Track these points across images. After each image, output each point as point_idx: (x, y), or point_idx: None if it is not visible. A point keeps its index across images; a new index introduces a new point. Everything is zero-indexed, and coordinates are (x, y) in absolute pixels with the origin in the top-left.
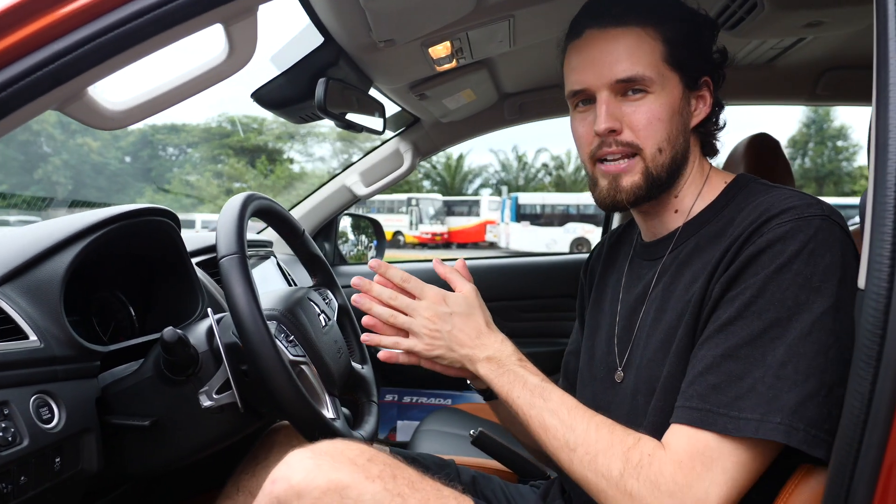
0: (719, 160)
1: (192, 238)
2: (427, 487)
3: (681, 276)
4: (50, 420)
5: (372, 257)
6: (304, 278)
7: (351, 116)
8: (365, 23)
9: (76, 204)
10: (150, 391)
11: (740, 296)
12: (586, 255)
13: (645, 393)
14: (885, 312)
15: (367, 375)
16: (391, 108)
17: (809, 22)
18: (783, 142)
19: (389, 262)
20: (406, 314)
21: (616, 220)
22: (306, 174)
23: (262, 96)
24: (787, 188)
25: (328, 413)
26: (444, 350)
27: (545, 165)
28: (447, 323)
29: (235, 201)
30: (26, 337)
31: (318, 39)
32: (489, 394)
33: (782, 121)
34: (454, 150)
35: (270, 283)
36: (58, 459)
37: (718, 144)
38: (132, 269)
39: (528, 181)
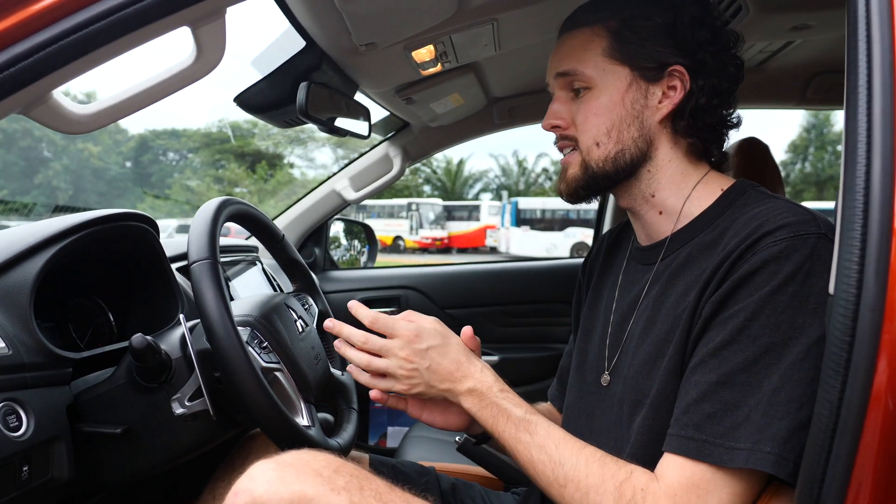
0: None
1: (174, 244)
2: (395, 499)
3: (672, 288)
4: (17, 428)
5: (364, 262)
6: (290, 285)
7: (336, 121)
8: (344, 26)
9: (60, 209)
10: (122, 398)
11: (733, 318)
12: (582, 259)
13: (630, 403)
14: (854, 319)
15: (347, 382)
16: (379, 113)
17: (795, 25)
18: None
19: (389, 266)
20: (381, 356)
21: (607, 223)
22: (308, 179)
23: (246, 100)
24: (784, 200)
25: (302, 420)
26: (425, 387)
27: (545, 170)
28: (424, 359)
29: (209, 206)
30: None
31: (300, 43)
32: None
33: (783, 125)
34: (454, 155)
35: (256, 289)
36: (26, 468)
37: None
38: (111, 274)
39: (529, 186)
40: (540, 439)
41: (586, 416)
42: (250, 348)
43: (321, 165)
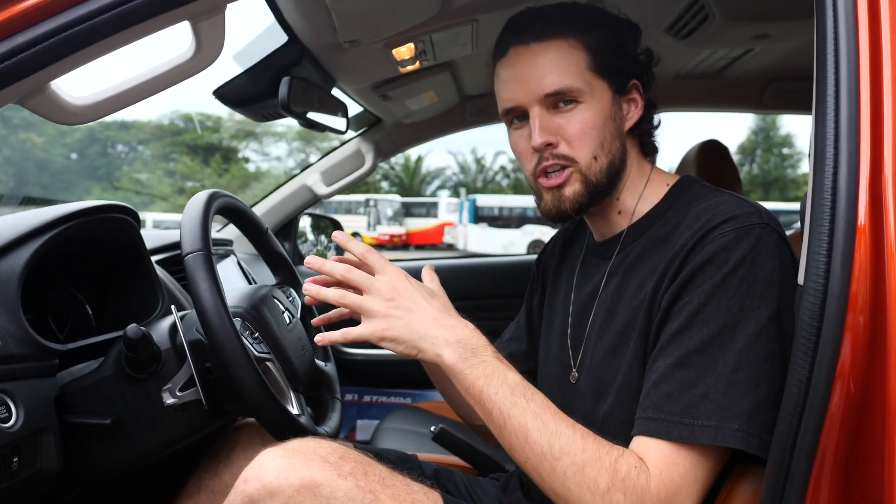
0: (671, 165)
1: (152, 236)
2: (397, 483)
3: (629, 281)
4: (7, 419)
5: (329, 257)
6: (264, 277)
7: (313, 116)
8: (330, 23)
9: (28, 201)
10: (110, 389)
11: (688, 305)
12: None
13: (594, 392)
14: (822, 307)
15: (331, 373)
16: (353, 108)
17: (757, 34)
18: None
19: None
20: (360, 292)
21: None
22: (262, 174)
23: (225, 94)
24: (729, 193)
25: (293, 409)
26: (401, 330)
27: (503, 168)
28: (408, 299)
29: (199, 198)
30: None
31: (282, 38)
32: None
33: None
34: (413, 152)
35: (231, 282)
36: (15, 459)
37: (657, 143)
38: (89, 266)
39: (487, 183)
40: (536, 407)
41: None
42: (244, 339)
43: (276, 158)
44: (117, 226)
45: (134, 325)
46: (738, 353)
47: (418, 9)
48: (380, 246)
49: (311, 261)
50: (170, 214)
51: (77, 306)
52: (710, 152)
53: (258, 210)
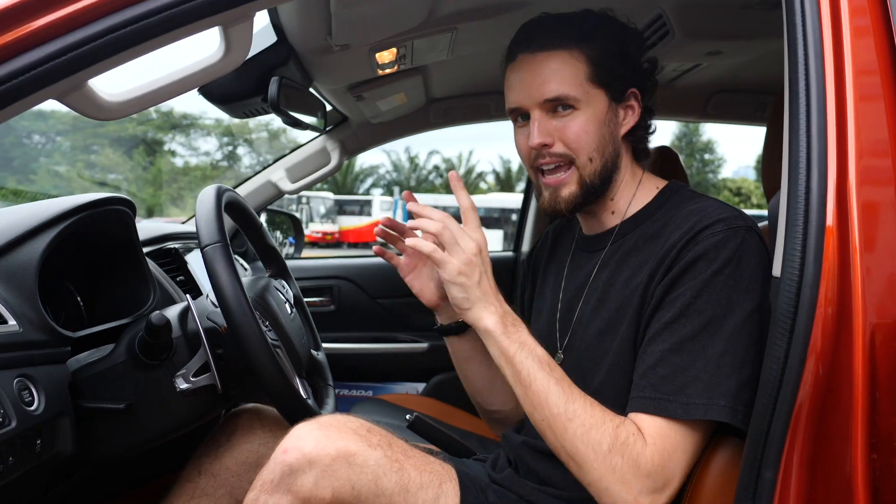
0: None
1: (142, 228)
2: (417, 455)
3: (621, 272)
4: (31, 403)
5: (291, 254)
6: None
7: (296, 114)
8: (324, 27)
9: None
10: (123, 375)
11: (681, 297)
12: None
13: (583, 372)
14: (797, 295)
15: (323, 361)
16: None
17: (710, 51)
18: None
19: (317, 258)
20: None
21: (530, 222)
22: (190, 169)
23: (210, 91)
24: (712, 199)
25: (302, 394)
26: (467, 281)
27: (437, 167)
28: (480, 266)
29: (209, 192)
30: (4, 321)
31: (271, 38)
32: (448, 330)
33: (659, 132)
34: None
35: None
36: (38, 441)
37: (650, 149)
38: (82, 258)
39: (420, 182)
40: (557, 375)
41: None
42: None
43: (204, 153)
44: (115, 217)
45: (158, 311)
46: (725, 340)
47: (408, 16)
48: (312, 244)
49: (412, 206)
50: None
51: (69, 297)
52: (665, 157)
53: None
